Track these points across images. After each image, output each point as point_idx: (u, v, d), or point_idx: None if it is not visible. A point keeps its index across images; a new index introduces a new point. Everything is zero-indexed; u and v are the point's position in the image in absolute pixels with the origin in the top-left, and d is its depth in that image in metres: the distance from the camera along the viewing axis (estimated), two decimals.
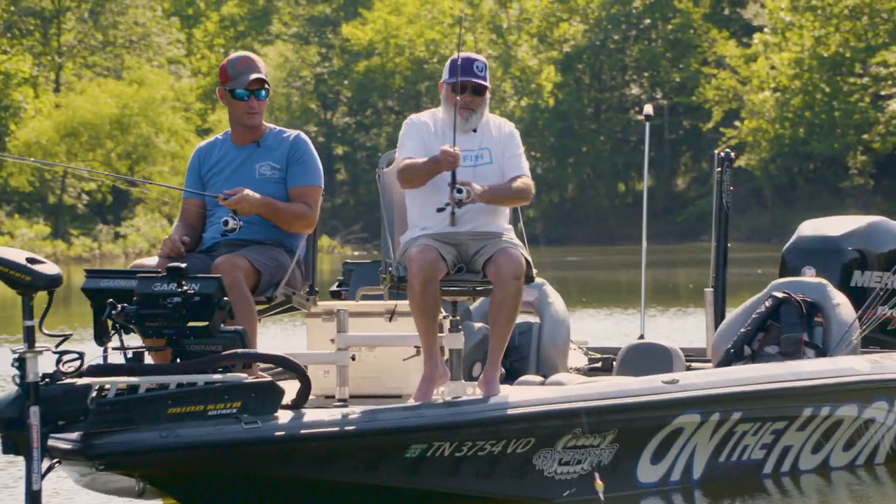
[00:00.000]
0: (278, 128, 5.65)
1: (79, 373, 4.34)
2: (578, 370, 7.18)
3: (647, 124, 8.16)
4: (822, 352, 6.71)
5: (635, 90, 51.79)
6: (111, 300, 4.58)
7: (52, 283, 4.23)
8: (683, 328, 13.18)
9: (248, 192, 5.34)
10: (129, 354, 4.68)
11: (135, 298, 4.59)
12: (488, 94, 5.53)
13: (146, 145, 41.06)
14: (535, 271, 5.45)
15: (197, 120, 46.26)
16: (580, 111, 50.91)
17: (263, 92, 5.49)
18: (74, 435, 4.35)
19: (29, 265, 4.19)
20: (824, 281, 6.94)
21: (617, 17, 51.16)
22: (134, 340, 4.77)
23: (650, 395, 5.59)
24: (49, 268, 4.22)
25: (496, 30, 52.98)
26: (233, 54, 5.62)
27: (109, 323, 4.67)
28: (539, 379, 6.50)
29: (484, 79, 5.47)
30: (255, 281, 5.24)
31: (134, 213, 41.19)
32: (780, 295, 6.81)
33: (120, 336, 4.69)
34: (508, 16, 53.56)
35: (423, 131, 5.48)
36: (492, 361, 5.36)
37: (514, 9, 53.40)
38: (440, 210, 5.29)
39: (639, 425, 5.59)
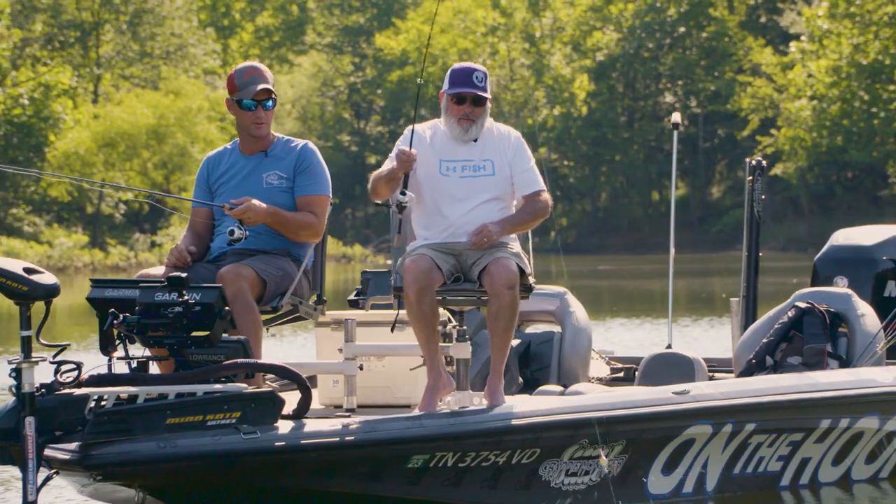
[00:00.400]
0: (287, 137, 5.64)
1: (77, 383, 4.32)
2: (601, 380, 7.14)
3: (676, 133, 8.14)
4: (845, 363, 6.61)
5: (669, 98, 51.54)
6: (112, 310, 4.57)
7: (49, 293, 4.21)
8: (716, 337, 13.07)
9: (254, 201, 5.33)
10: (134, 364, 4.67)
11: (136, 308, 4.58)
12: (489, 104, 5.49)
13: (182, 155, 41.39)
14: (532, 280, 5.39)
15: (232, 129, 46.43)
16: (613, 120, 50.74)
17: (270, 102, 5.49)
18: (73, 445, 4.32)
19: (26, 275, 4.18)
20: (849, 291, 6.84)
21: (651, 26, 50.98)
22: (140, 350, 4.75)
23: (659, 405, 5.53)
24: (46, 278, 4.21)
25: (529, 39, 52.93)
26: (240, 65, 5.61)
27: (115, 332, 4.65)
28: (559, 389, 6.45)
29: (484, 89, 5.42)
30: (260, 291, 5.22)
31: (170, 222, 41.49)
32: (803, 305, 6.73)
33: (125, 346, 4.68)
34: (542, 25, 53.51)
35: (415, 142, 5.44)
36: (494, 371, 5.32)
37: (547, 18, 53.34)
38: (378, 204, 5.29)
39: (648, 436, 5.53)
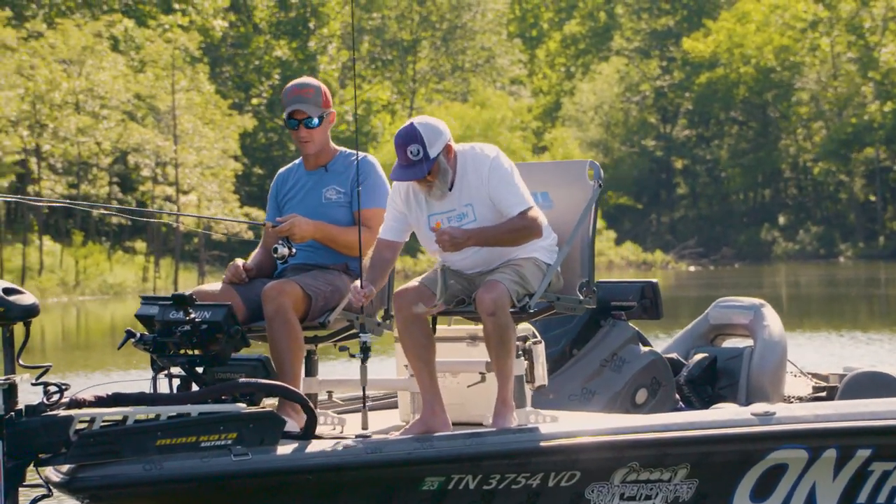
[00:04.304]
0: (348, 151, 5.58)
1: (72, 403, 4.37)
2: (801, 399, 6.66)
3: None
4: None
5: None
6: (128, 328, 4.66)
7: (27, 313, 4.28)
8: None
9: (298, 218, 5.29)
10: (177, 382, 4.73)
11: (156, 326, 4.66)
12: (442, 160, 5.03)
13: None
14: (531, 301, 4.98)
15: (533, 138, 46.95)
16: None
17: (315, 120, 5.41)
18: (64, 467, 4.36)
19: (4, 296, 4.29)
20: None
21: None
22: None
23: (724, 428, 5.14)
24: (25, 298, 4.28)
25: (855, 31, 49.94)
26: (293, 81, 5.59)
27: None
28: (735, 407, 6.06)
29: (423, 160, 4.97)
30: (306, 307, 5.18)
31: None
32: None
33: (165, 363, 4.73)
34: (872, 15, 50.33)
35: (394, 203, 5.16)
36: (498, 397, 5.04)
37: (878, 7, 50.12)
38: None
39: (717, 460, 5.11)
